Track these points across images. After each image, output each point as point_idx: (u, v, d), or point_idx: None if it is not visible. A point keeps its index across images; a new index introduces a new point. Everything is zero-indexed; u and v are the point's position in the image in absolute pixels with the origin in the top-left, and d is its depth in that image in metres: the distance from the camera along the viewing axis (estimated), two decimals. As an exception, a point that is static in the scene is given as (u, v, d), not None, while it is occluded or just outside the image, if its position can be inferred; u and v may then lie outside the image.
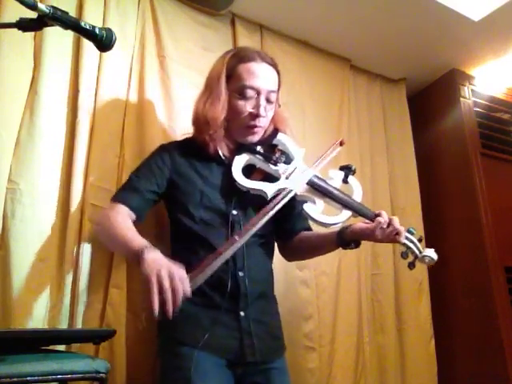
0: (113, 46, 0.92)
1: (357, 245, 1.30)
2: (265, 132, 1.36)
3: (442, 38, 2.17)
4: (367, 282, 2.05)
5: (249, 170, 1.31)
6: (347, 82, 2.27)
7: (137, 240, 1.12)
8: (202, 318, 1.19)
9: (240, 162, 1.29)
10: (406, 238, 1.24)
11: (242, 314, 1.21)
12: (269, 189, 1.24)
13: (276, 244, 1.45)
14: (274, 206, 1.20)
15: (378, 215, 1.23)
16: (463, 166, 2.30)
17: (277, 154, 1.31)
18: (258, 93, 1.28)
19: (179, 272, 1.00)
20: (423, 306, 2.18)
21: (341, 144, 1.40)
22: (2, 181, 1.31)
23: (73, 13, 1.54)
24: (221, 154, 1.33)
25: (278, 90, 1.37)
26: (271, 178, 1.29)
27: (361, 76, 2.39)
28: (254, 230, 1.16)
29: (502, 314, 2.06)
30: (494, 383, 2.01)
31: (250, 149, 1.32)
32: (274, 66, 1.35)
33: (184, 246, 1.28)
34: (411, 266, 1.26)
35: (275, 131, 1.38)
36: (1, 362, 0.83)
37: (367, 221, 1.26)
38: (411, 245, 1.25)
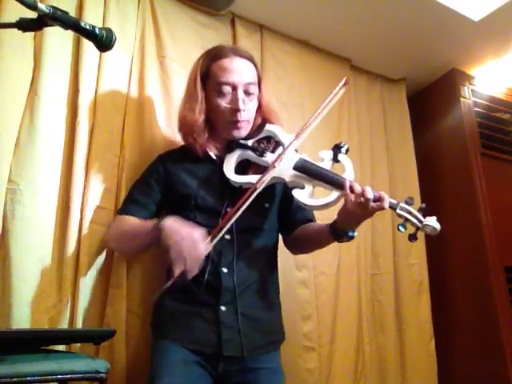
0: (113, 46, 0.92)
1: (350, 237, 1.22)
2: (253, 125, 1.36)
3: (442, 38, 2.17)
4: (367, 282, 2.05)
5: (246, 166, 1.32)
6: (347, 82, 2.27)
7: (149, 222, 1.23)
8: (181, 313, 1.22)
9: (231, 158, 1.31)
10: (402, 209, 1.15)
11: (222, 308, 1.21)
12: (256, 180, 1.22)
13: (282, 238, 1.45)
14: (255, 190, 1.19)
15: (350, 189, 1.16)
16: (463, 166, 2.30)
17: (262, 145, 1.32)
18: (234, 87, 1.29)
19: (194, 238, 1.10)
20: (423, 306, 2.18)
21: (345, 83, 1.37)
22: (2, 181, 1.31)
23: (73, 13, 1.54)
24: (211, 155, 1.33)
25: (260, 82, 1.37)
26: (265, 170, 1.27)
27: (361, 76, 2.39)
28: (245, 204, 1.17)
29: (501, 313, 2.06)
30: (493, 383, 2.01)
31: (238, 144, 1.33)
32: (249, 58, 1.35)
33: None
34: (412, 238, 1.15)
35: (263, 122, 1.37)
36: (1, 362, 0.83)
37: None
38: (408, 215, 1.15)
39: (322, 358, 1.79)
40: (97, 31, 0.89)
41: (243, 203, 1.17)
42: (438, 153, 2.45)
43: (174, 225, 1.14)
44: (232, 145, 1.33)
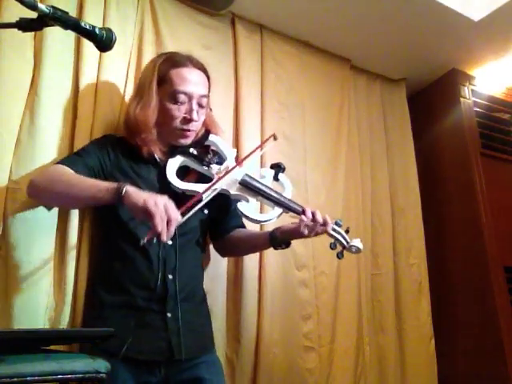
0: (113, 45, 0.92)
1: (287, 245, 1.37)
2: (197, 134, 1.39)
3: (442, 38, 2.17)
4: (367, 282, 2.05)
5: (184, 172, 1.34)
6: (347, 82, 2.27)
7: (101, 181, 1.19)
8: (127, 324, 1.19)
9: (174, 164, 1.33)
10: (334, 230, 1.32)
11: (168, 315, 1.23)
12: (201, 189, 1.26)
13: (211, 241, 1.52)
14: (205, 198, 1.25)
15: (303, 212, 1.29)
16: (463, 166, 2.30)
17: (209, 156, 1.35)
18: (190, 98, 1.32)
19: (168, 201, 1.10)
20: (423, 306, 2.18)
21: (274, 138, 1.46)
22: (2, 181, 1.31)
23: (73, 13, 1.54)
24: (156, 157, 1.35)
25: (209, 94, 1.40)
26: (205, 179, 1.32)
27: (361, 76, 2.39)
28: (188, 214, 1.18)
29: (501, 313, 2.06)
30: (494, 383, 2.01)
31: (183, 151, 1.35)
32: (205, 71, 1.39)
33: (113, 246, 1.29)
34: (340, 255, 1.35)
35: (207, 133, 1.41)
36: (1, 362, 0.83)
37: (295, 220, 1.32)
38: (338, 236, 1.33)
39: (322, 357, 1.79)
40: (97, 31, 0.89)
41: (188, 210, 1.18)
42: (438, 153, 2.46)
43: (138, 190, 1.13)
44: (176, 151, 1.35)
